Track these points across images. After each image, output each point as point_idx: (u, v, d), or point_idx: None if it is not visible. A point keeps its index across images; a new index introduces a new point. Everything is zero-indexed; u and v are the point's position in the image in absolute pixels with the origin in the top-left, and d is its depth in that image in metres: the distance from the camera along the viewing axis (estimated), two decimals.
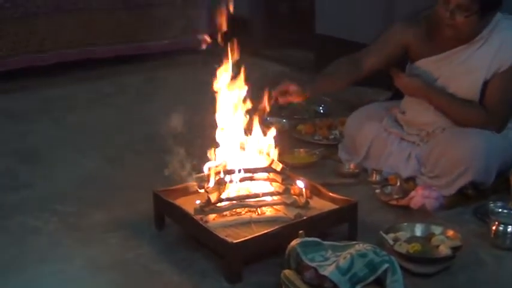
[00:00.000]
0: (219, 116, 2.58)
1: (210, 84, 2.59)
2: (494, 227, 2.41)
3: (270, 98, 2.74)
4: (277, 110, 3.83)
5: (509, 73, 2.74)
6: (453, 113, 2.83)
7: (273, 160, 2.51)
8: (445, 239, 2.33)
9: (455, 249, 2.28)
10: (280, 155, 2.60)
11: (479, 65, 2.76)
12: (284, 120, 3.71)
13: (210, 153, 2.53)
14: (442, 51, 2.85)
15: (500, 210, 2.60)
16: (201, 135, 2.82)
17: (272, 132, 2.59)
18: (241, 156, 2.54)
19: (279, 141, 2.60)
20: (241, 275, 2.21)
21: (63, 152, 3.41)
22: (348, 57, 3.01)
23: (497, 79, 2.75)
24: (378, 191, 2.82)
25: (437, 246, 2.30)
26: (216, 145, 2.56)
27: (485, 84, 2.77)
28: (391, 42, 2.97)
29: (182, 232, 2.53)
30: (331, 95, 3.97)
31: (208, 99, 2.60)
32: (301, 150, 3.29)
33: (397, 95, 3.14)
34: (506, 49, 2.73)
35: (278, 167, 2.48)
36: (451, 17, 2.67)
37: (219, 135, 2.57)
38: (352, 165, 3.09)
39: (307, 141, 3.44)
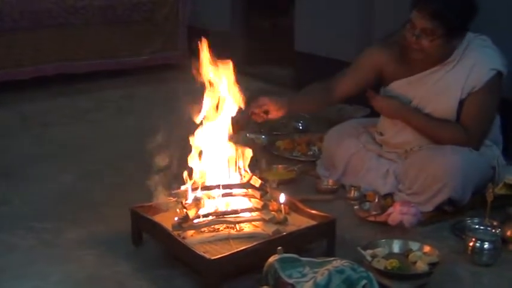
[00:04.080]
0: (198, 133, 2.58)
1: (189, 99, 2.58)
2: (471, 244, 2.43)
3: (245, 115, 2.80)
4: (256, 126, 3.84)
5: (484, 91, 2.76)
6: (431, 132, 2.84)
7: (251, 176, 2.50)
8: (422, 255, 2.34)
9: (432, 265, 2.29)
10: (259, 171, 2.60)
11: (453, 86, 2.78)
12: (263, 136, 3.70)
13: (189, 169, 2.52)
14: (415, 73, 2.86)
15: (477, 226, 2.62)
16: (180, 151, 2.81)
17: (251, 148, 2.59)
18: (220, 172, 2.54)
19: (258, 157, 2.61)
20: None
21: (40, 168, 3.38)
22: (322, 82, 3.05)
23: (472, 98, 2.77)
24: (356, 207, 2.83)
25: (415, 263, 2.31)
26: (195, 161, 2.55)
27: (461, 103, 2.79)
28: (364, 67, 2.99)
29: (160, 249, 2.51)
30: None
31: (187, 115, 2.59)
32: (280, 166, 3.29)
33: (375, 112, 3.16)
34: (479, 68, 2.76)
35: (257, 183, 2.48)
36: (416, 41, 2.70)
37: (198, 152, 2.57)
38: (330, 182, 3.09)
39: (285, 157, 3.45)
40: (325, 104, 3.13)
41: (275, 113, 2.87)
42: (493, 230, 2.54)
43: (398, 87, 2.91)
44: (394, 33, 2.92)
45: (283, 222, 2.46)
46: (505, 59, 2.82)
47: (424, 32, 2.67)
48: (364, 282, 2.00)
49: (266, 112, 2.86)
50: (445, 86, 2.80)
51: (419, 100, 2.86)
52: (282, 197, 2.52)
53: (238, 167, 2.54)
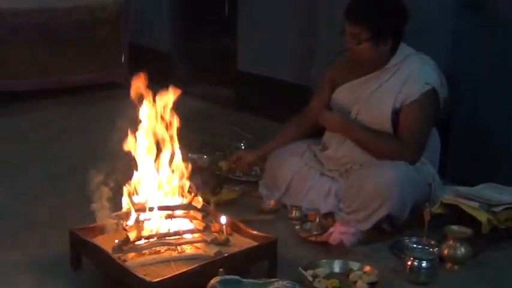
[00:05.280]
0: (139, 154, 2.55)
1: (130, 118, 2.56)
2: (409, 263, 2.48)
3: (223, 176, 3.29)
4: (199, 146, 3.83)
5: (418, 104, 2.87)
6: (370, 145, 2.94)
7: (193, 197, 2.49)
8: (362, 274, 2.38)
9: (372, 284, 2.32)
10: (201, 192, 2.60)
11: (387, 95, 2.91)
12: (205, 157, 3.70)
13: (130, 190, 2.50)
14: (355, 78, 3.02)
15: (415, 245, 2.68)
16: (122, 172, 2.77)
17: (193, 168, 2.59)
18: (161, 193, 2.52)
19: (200, 178, 2.60)
20: None
21: None
22: (297, 115, 3.26)
23: (407, 110, 2.88)
24: (297, 227, 2.85)
25: (355, 282, 2.34)
26: (137, 182, 2.53)
27: (397, 114, 2.89)
28: (324, 86, 3.17)
29: (99, 272, 2.47)
30: (252, 131, 4.01)
31: (128, 134, 2.57)
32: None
33: (320, 134, 3.22)
34: (413, 81, 2.88)
35: (198, 204, 2.48)
36: (346, 43, 2.90)
37: (139, 172, 2.55)
38: (272, 202, 3.11)
39: (227, 177, 3.44)
40: (304, 130, 3.26)
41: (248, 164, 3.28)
42: (431, 249, 2.60)
43: (341, 91, 3.05)
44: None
45: (225, 243, 2.46)
46: (443, 80, 2.92)
47: (351, 35, 2.87)
48: None
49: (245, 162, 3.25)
50: (380, 95, 2.93)
51: (358, 108, 2.97)
52: (224, 218, 2.52)
53: (180, 189, 2.53)
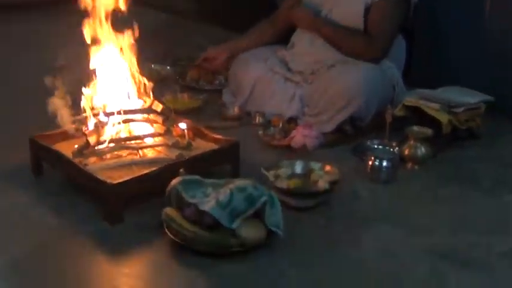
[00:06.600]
0: (99, 61, 2.50)
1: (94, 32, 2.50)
2: (370, 162, 2.50)
3: (193, 67, 3.30)
4: (162, 57, 3.78)
5: (387, 2, 2.86)
6: (339, 41, 2.94)
7: (153, 101, 2.47)
8: (323, 174, 2.39)
9: (333, 183, 2.34)
10: (163, 99, 2.57)
11: None
12: (168, 67, 3.65)
13: (89, 96, 2.46)
14: None
15: (376, 146, 2.70)
16: (82, 81, 2.73)
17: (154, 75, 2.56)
18: (121, 98, 2.49)
19: (162, 86, 2.57)
20: (122, 215, 2.19)
21: None
22: (266, 18, 3.22)
23: (377, 7, 2.88)
24: (260, 132, 2.84)
25: (316, 182, 2.35)
26: (95, 87, 2.49)
27: (368, 11, 2.88)
28: None
29: (61, 178, 2.46)
30: (217, 41, 3.96)
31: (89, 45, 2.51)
32: (185, 95, 3.26)
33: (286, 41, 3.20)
34: None
35: (158, 108, 2.45)
36: None
37: (98, 78, 2.50)
38: (236, 109, 3.09)
39: (191, 86, 3.42)
40: (271, 38, 3.23)
41: (218, 60, 3.21)
42: (391, 149, 2.63)
43: None
44: None
45: (187, 147, 2.45)
46: None
47: None
48: (264, 198, 2.03)
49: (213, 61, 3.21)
50: None
51: (331, 5, 2.96)
52: (184, 124, 2.50)
53: (140, 93, 2.50)
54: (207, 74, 3.50)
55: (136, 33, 2.50)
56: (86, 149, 2.33)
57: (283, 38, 3.22)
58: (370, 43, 2.89)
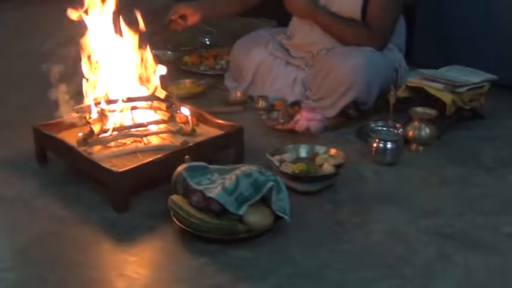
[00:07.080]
0: (98, 47, 2.49)
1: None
2: (374, 144, 2.50)
3: (163, 25, 3.04)
4: (163, 43, 3.76)
5: None
6: (337, 31, 2.88)
7: (156, 88, 2.46)
8: (328, 157, 2.39)
9: (338, 166, 2.34)
10: (165, 85, 2.55)
11: None
12: (169, 53, 3.64)
13: (92, 84, 2.45)
14: None
15: (380, 128, 2.70)
16: (80, 67, 2.72)
17: (156, 61, 2.54)
18: (124, 85, 2.48)
19: (164, 72, 2.56)
20: (128, 203, 2.19)
21: None
22: None
23: None
24: (264, 116, 2.84)
25: (322, 165, 2.35)
26: (98, 76, 2.48)
27: (367, 2, 2.83)
28: None
29: (66, 166, 2.46)
30: (217, 26, 3.94)
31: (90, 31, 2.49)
32: (187, 80, 3.25)
33: (282, 23, 3.16)
34: None
35: (162, 94, 2.44)
36: None
37: (100, 66, 2.49)
38: (238, 93, 3.09)
39: (193, 71, 3.41)
40: (241, 6, 3.14)
41: (192, 17, 2.98)
42: (396, 131, 2.62)
43: None
44: None
45: (192, 133, 2.45)
46: None
47: None
48: (271, 184, 2.02)
49: (183, 18, 2.98)
50: None
51: None
52: (187, 109, 2.49)
53: (142, 80, 2.49)
54: (208, 58, 3.50)
55: (139, 19, 2.49)
56: (90, 137, 2.32)
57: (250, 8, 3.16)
58: (370, 34, 2.83)
